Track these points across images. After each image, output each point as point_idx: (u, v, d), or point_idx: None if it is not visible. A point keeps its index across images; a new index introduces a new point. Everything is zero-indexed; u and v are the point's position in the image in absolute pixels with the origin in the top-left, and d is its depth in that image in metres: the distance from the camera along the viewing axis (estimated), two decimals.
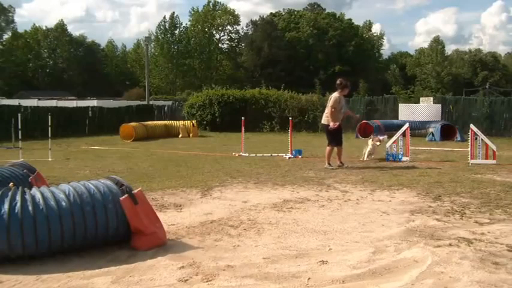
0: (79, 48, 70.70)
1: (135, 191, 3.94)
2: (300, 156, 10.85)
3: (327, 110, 9.10)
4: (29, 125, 17.16)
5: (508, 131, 18.99)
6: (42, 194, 3.68)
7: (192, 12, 69.43)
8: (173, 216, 5.07)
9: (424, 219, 4.89)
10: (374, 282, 3.14)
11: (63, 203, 3.64)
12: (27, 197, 3.61)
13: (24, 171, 4.95)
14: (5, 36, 65.27)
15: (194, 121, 19.78)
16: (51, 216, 3.54)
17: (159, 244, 3.92)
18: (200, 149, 13.20)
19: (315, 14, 68.24)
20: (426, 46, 73.88)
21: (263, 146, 13.84)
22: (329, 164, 9.00)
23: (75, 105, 24.36)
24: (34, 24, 70.05)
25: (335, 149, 9.13)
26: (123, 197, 3.83)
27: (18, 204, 3.51)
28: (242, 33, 68.66)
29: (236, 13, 70.53)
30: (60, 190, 3.79)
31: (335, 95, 9.10)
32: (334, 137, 9.06)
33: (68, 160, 10.60)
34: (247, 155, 11.33)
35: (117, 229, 3.83)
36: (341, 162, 9.16)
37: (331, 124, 8.89)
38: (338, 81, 9.18)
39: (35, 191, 3.77)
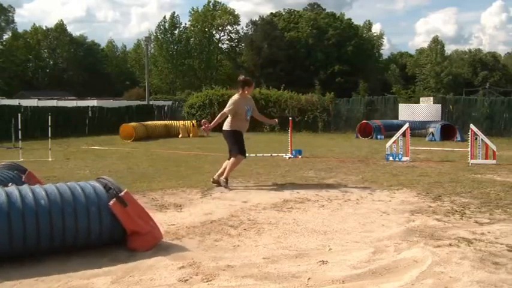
0: (79, 48, 70.73)
1: (121, 194, 3.85)
2: (300, 156, 10.86)
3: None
4: (29, 125, 17.20)
5: (508, 131, 19.00)
6: (20, 192, 3.59)
7: (192, 12, 69.50)
8: (173, 216, 5.06)
9: (424, 219, 4.89)
10: (374, 282, 3.14)
11: (42, 201, 3.55)
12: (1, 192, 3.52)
13: (15, 172, 4.83)
14: (5, 36, 65.40)
15: (194, 121, 19.78)
16: (26, 214, 3.45)
17: (156, 242, 3.91)
18: (200, 149, 13.19)
19: (314, 14, 68.20)
20: (426, 46, 73.99)
21: (263, 146, 13.82)
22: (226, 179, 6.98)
23: (75, 105, 24.35)
24: (34, 24, 70.15)
25: (233, 160, 7.12)
26: (112, 201, 3.75)
27: None
28: (242, 33, 68.71)
29: (236, 13, 70.62)
30: (42, 189, 3.69)
31: (235, 97, 7.03)
32: (237, 144, 7.10)
33: (68, 160, 10.59)
34: (247, 155, 11.29)
35: (100, 234, 3.75)
36: (224, 179, 6.95)
37: (204, 126, 7.03)
38: (238, 79, 7.20)
39: (13, 188, 3.68)
